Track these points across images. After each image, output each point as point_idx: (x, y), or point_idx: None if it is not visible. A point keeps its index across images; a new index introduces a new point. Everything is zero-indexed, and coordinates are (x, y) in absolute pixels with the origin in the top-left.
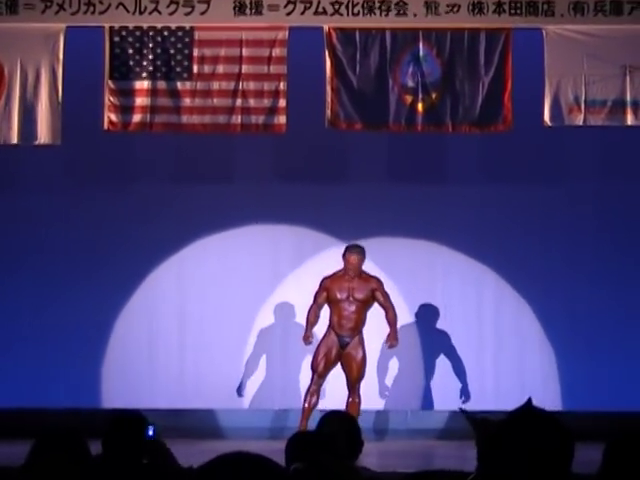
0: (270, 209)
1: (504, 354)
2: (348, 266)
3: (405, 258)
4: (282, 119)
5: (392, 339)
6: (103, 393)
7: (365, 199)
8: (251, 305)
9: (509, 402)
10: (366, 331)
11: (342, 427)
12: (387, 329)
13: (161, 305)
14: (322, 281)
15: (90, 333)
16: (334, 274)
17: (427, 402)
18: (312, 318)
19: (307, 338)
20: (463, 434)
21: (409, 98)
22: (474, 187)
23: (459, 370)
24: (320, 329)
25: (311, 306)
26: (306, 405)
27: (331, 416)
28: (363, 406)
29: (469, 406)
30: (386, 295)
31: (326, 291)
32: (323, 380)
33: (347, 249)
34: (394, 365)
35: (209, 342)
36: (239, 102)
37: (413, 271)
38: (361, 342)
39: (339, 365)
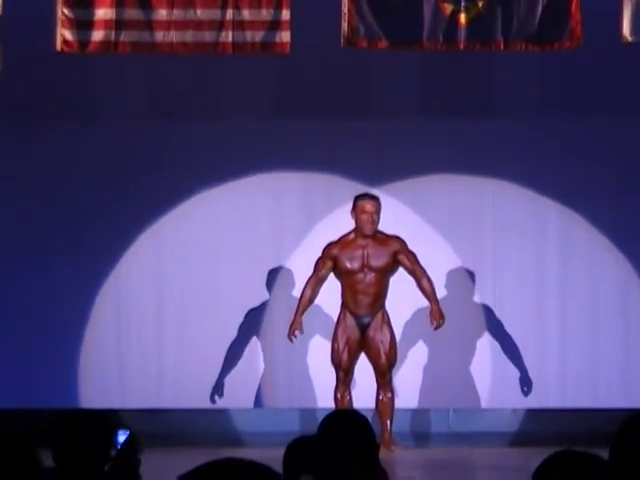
0: (272, 153)
1: (577, 324)
2: (360, 223)
3: (446, 202)
4: (285, 36)
5: (437, 316)
6: (80, 392)
7: (391, 137)
8: (249, 282)
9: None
10: (390, 306)
11: (349, 430)
12: (416, 302)
13: (141, 286)
14: (326, 248)
15: (63, 321)
16: (342, 238)
17: (472, 398)
18: (308, 294)
19: (293, 330)
20: (520, 438)
21: (448, 7)
22: (531, 120)
23: (513, 352)
24: (331, 309)
25: (309, 279)
26: None
27: (335, 417)
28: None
29: (531, 401)
30: (414, 257)
31: (332, 260)
32: (351, 376)
33: (357, 199)
34: (426, 351)
35: (197, 329)
36: (230, 14)
37: (458, 216)
38: (385, 320)
39: (363, 354)
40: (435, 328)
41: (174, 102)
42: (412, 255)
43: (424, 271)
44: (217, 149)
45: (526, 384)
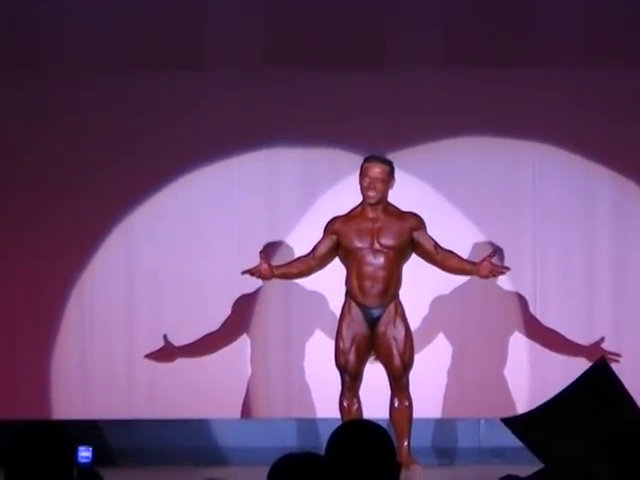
0: (263, 112)
1: (635, 317)
2: (368, 191)
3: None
4: None
5: (488, 266)
6: (53, 401)
7: (409, 92)
8: (236, 273)
9: None
10: (404, 296)
11: (365, 446)
12: (436, 291)
13: (112, 281)
14: (329, 223)
15: (35, 319)
16: (349, 213)
17: (507, 407)
18: (296, 265)
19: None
20: None
21: None
22: (578, 70)
23: (557, 351)
24: (334, 300)
25: (305, 255)
26: None
27: (346, 430)
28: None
29: None
30: (431, 238)
31: (334, 235)
32: (359, 381)
33: (364, 162)
34: (450, 350)
35: (174, 326)
36: None
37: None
38: (399, 312)
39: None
40: (493, 274)
41: (139, 47)
42: (431, 238)
43: (447, 250)
44: (193, 106)
45: None
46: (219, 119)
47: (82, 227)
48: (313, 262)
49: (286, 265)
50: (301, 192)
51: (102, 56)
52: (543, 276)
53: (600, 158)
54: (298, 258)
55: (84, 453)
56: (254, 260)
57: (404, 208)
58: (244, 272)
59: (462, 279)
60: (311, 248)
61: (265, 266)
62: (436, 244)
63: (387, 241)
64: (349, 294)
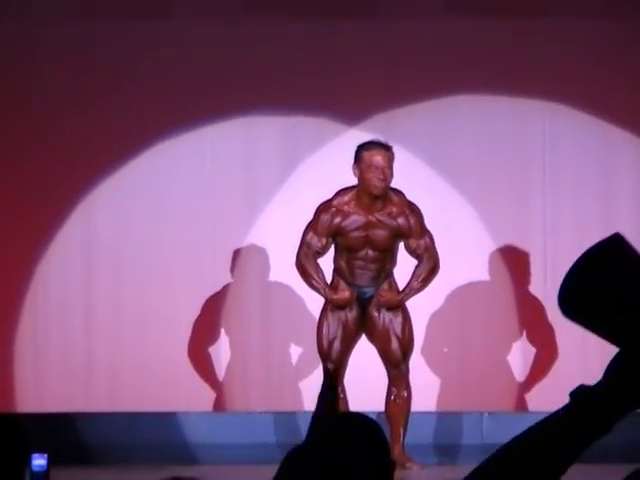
0: (236, 70)
1: None
2: (366, 181)
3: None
4: None
5: (393, 293)
6: (17, 394)
7: (404, 43)
8: (209, 252)
9: None
10: (400, 276)
11: (354, 441)
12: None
13: (69, 265)
14: (320, 208)
15: None
16: (340, 200)
17: (513, 399)
18: (311, 264)
19: (338, 297)
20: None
21: None
22: (588, 19)
23: (568, 341)
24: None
25: (299, 252)
26: None
27: (332, 423)
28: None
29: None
30: (427, 235)
31: (333, 232)
32: (344, 370)
33: (362, 149)
34: (451, 337)
35: (138, 312)
36: None
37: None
38: (394, 290)
39: (364, 337)
40: (382, 303)
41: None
42: (427, 235)
43: (436, 255)
44: (162, 63)
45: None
46: (189, 79)
47: (39, 209)
48: (313, 257)
49: (314, 279)
50: (280, 162)
51: (63, 3)
52: (554, 256)
53: (620, 120)
54: (317, 266)
55: (38, 461)
56: (227, 241)
57: (400, 178)
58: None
59: (464, 265)
60: (305, 243)
61: (334, 291)
62: (420, 254)
63: (380, 244)
64: (337, 272)
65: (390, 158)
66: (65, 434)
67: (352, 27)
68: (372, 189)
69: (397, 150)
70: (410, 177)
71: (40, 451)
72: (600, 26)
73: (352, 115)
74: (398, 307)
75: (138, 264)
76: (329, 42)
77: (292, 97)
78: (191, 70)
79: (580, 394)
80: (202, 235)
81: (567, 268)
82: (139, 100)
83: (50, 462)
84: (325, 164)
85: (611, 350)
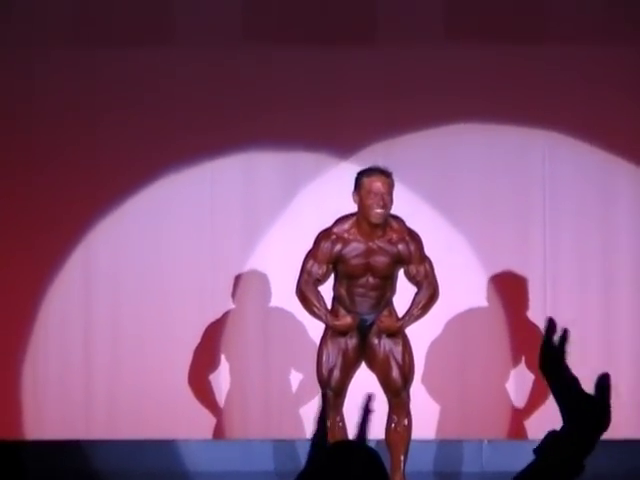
0: (236, 97)
1: None
2: (366, 208)
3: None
4: None
5: (392, 320)
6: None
7: (403, 70)
8: (207, 284)
9: None
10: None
11: (354, 471)
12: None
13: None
14: (322, 239)
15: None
16: (340, 227)
17: (514, 427)
18: (312, 292)
19: (333, 320)
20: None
21: None
22: (588, 45)
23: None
24: None
25: (299, 280)
26: None
27: (332, 452)
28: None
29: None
30: (427, 262)
31: (333, 260)
32: (343, 397)
33: (362, 176)
34: (451, 363)
35: (137, 338)
36: None
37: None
38: (394, 317)
39: (364, 364)
40: (381, 328)
41: (100, 24)
42: (427, 261)
43: (435, 283)
44: (163, 89)
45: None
46: (189, 109)
47: (41, 241)
48: (313, 285)
49: (315, 306)
50: (280, 190)
51: (58, 31)
52: (554, 282)
53: (619, 149)
54: (318, 293)
55: None
56: (227, 268)
57: (401, 206)
58: (335, 327)
59: (464, 293)
60: (305, 270)
61: (335, 316)
62: (419, 280)
63: (381, 271)
64: (337, 299)
65: (390, 184)
66: (64, 461)
67: (350, 54)
68: (372, 216)
69: (396, 179)
70: (409, 205)
71: None
72: (600, 53)
73: (351, 144)
74: (398, 333)
75: (137, 291)
76: (327, 69)
77: (290, 128)
78: (190, 102)
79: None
80: (202, 263)
81: (566, 295)
82: (139, 133)
83: None
84: (324, 192)
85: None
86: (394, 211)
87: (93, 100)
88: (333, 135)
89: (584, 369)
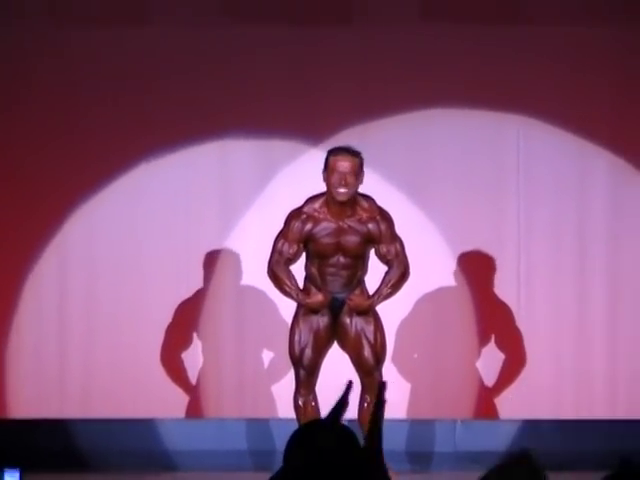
0: (218, 81)
1: (632, 314)
2: (338, 187)
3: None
4: None
5: (362, 298)
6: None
7: (378, 53)
8: (186, 261)
9: None
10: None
11: (330, 450)
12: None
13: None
14: (291, 216)
15: None
16: (311, 206)
17: (486, 407)
18: (284, 272)
19: (305, 298)
20: (553, 459)
21: None
22: (568, 26)
23: (543, 350)
24: None
25: (270, 260)
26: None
27: (307, 432)
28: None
29: (567, 411)
30: (398, 241)
31: (303, 240)
32: (316, 376)
33: (329, 155)
34: (424, 344)
35: (111, 318)
36: None
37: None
38: (365, 296)
39: (336, 344)
40: (350, 306)
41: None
42: (397, 241)
43: (406, 262)
44: (139, 67)
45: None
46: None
47: (21, 225)
48: (284, 264)
49: (287, 285)
50: (255, 175)
51: (29, 12)
52: (527, 264)
53: (593, 133)
54: (289, 272)
55: (10, 476)
56: (202, 248)
57: (375, 188)
58: (307, 305)
59: (436, 273)
60: (276, 250)
61: (306, 295)
62: (390, 260)
63: (352, 250)
64: (308, 279)
65: (356, 164)
66: (38, 441)
67: (325, 35)
68: (335, 194)
69: (371, 162)
70: (384, 188)
71: (12, 466)
72: (576, 36)
73: (326, 128)
74: (368, 311)
75: (112, 271)
76: (302, 52)
77: (265, 113)
78: (166, 90)
79: None
80: (176, 243)
81: (539, 276)
82: (116, 120)
83: (23, 472)
84: (299, 176)
85: (579, 356)
86: (368, 192)
87: (67, 86)
88: (307, 120)
89: (560, 346)
